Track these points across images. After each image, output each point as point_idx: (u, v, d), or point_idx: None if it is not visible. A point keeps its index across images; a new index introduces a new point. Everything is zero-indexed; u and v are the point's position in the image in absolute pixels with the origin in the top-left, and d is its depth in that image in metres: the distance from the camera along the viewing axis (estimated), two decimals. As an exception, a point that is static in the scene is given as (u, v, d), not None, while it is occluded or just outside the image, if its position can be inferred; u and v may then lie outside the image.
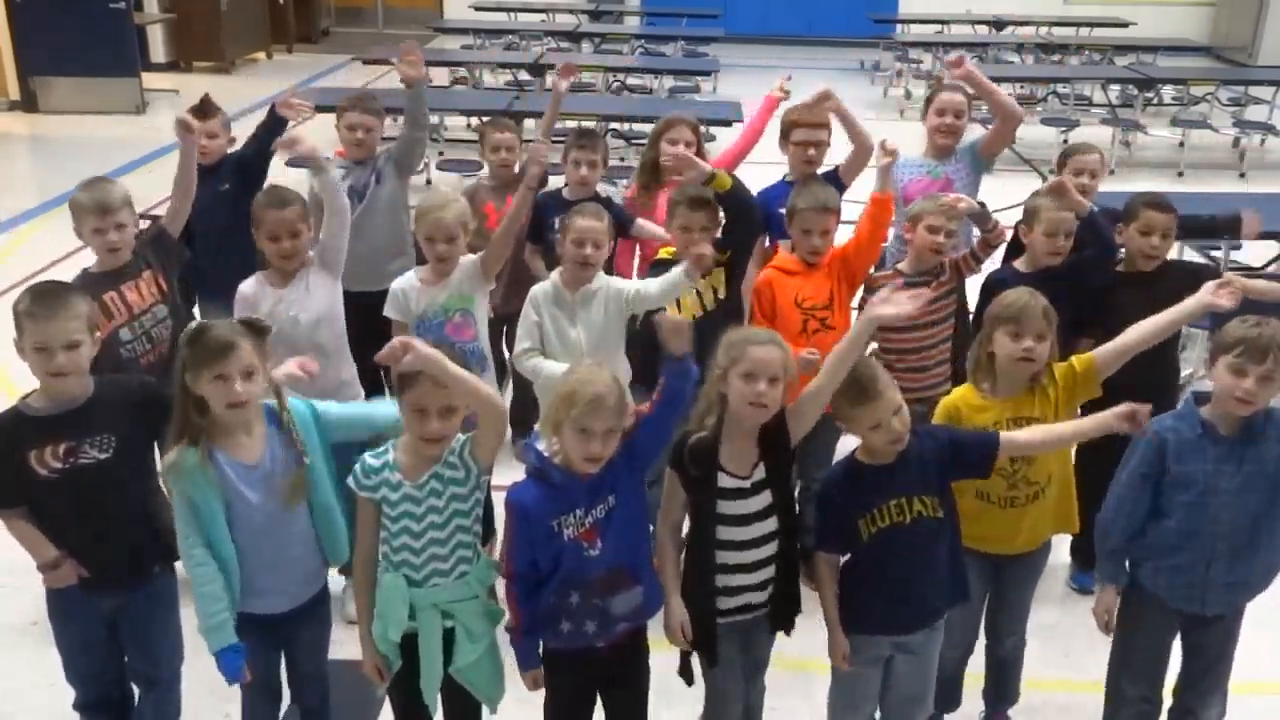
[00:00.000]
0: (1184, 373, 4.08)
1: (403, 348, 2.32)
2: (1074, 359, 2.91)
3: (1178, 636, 2.88)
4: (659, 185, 4.20)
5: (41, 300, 2.54)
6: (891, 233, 3.99)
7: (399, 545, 2.53)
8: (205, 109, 4.25)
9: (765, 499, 2.61)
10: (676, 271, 3.30)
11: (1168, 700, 2.95)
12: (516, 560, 2.50)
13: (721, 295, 3.59)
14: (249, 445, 2.53)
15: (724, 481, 2.59)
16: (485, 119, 4.73)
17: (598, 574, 2.49)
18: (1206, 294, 2.85)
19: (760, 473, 2.60)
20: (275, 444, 2.56)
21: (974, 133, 4.50)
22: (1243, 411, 2.60)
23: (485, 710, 2.71)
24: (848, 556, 2.69)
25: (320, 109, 4.75)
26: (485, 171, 4.63)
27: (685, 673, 2.74)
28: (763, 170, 4.31)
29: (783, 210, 3.71)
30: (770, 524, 2.62)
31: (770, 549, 2.63)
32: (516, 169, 4.42)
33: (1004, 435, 2.69)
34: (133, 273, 3.41)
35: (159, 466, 2.56)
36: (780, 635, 2.77)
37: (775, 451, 2.62)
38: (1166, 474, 2.68)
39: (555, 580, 2.50)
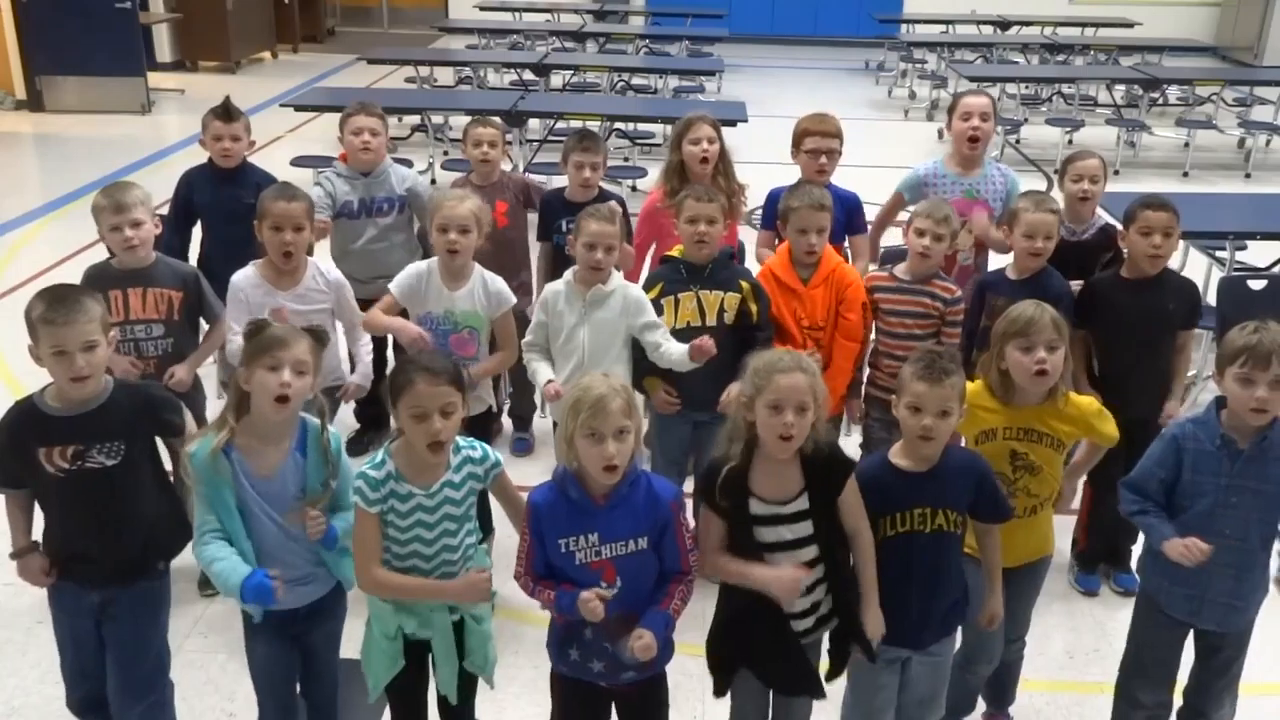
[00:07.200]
0: (1190, 373, 4.07)
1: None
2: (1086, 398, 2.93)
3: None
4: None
5: (57, 305, 2.50)
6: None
7: (407, 552, 2.50)
8: (229, 113, 4.18)
9: (803, 529, 2.48)
10: (681, 351, 3.31)
11: (1176, 700, 2.93)
12: (535, 563, 2.42)
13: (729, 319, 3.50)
14: (272, 459, 2.52)
15: (755, 508, 2.46)
16: (472, 117, 4.70)
17: (609, 615, 2.37)
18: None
19: (803, 503, 2.47)
20: (292, 466, 2.54)
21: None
22: (1259, 421, 2.59)
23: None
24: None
25: (325, 109, 4.74)
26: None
27: (719, 688, 2.66)
28: (771, 170, 4.31)
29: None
30: (809, 552, 2.49)
31: (812, 575, 2.50)
32: (505, 166, 4.42)
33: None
34: (146, 282, 3.40)
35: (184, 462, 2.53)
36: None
37: (824, 485, 2.47)
38: (1180, 481, 2.66)
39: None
